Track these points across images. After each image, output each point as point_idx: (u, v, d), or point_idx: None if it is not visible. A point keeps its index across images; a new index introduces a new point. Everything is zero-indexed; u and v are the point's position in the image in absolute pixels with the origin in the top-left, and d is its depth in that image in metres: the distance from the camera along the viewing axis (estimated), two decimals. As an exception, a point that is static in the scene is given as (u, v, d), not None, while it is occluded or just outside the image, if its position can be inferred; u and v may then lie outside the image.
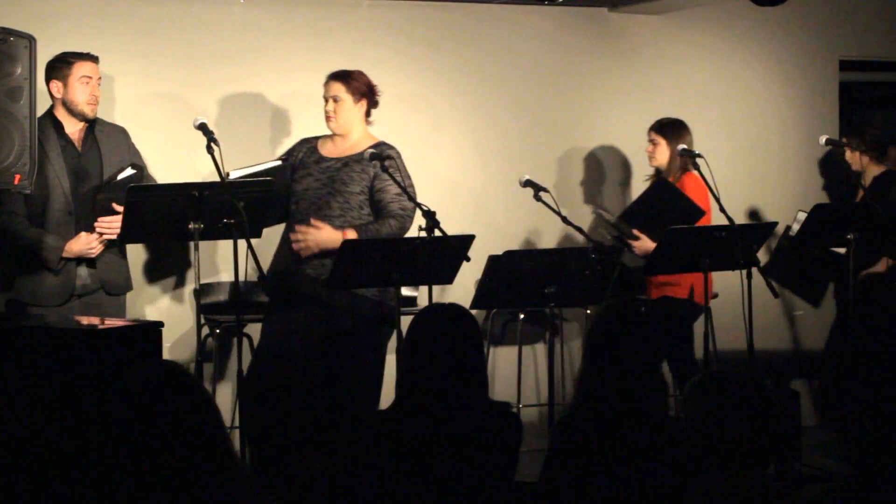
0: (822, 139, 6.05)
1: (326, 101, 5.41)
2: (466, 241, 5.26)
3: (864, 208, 5.76)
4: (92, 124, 5.33)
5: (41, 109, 5.15)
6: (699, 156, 5.84)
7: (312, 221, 5.20)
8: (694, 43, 6.96)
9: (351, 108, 5.40)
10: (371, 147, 5.33)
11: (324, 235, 5.20)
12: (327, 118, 5.41)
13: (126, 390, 2.46)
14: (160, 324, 4.55)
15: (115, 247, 5.28)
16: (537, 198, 5.56)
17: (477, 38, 6.62)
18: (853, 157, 6.44)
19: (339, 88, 5.41)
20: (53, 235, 5.17)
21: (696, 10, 6.89)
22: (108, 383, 2.49)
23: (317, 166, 5.38)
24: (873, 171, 6.43)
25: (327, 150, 5.45)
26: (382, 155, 5.24)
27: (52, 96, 5.29)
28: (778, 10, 6.34)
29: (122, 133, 5.46)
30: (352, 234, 5.17)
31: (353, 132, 5.42)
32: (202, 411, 2.46)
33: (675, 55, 6.88)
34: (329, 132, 5.44)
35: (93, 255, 5.18)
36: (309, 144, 5.48)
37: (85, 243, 5.15)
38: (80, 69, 5.25)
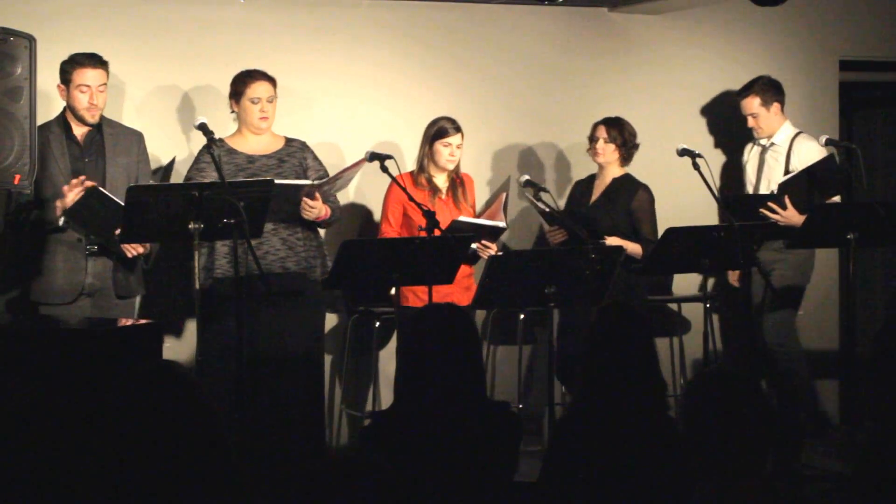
0: (822, 139, 6.03)
1: (257, 102, 5.52)
2: (466, 241, 5.28)
3: (865, 208, 5.75)
4: (101, 126, 5.35)
5: (51, 111, 5.18)
6: (700, 156, 5.83)
7: (317, 194, 5.39)
8: (694, 43, 6.95)
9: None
10: (286, 142, 5.62)
11: (319, 205, 5.43)
12: (263, 118, 5.53)
13: (126, 390, 2.46)
14: (160, 324, 4.56)
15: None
16: (537, 197, 5.56)
17: (477, 38, 6.62)
18: (604, 149, 6.09)
19: (272, 89, 5.58)
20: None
21: (696, 10, 6.89)
22: (108, 383, 2.48)
23: (252, 165, 5.51)
24: (614, 171, 6.14)
25: (250, 148, 5.57)
26: (382, 155, 5.28)
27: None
28: (778, 10, 6.34)
29: (134, 136, 5.48)
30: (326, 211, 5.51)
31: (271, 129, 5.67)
32: (201, 411, 2.46)
33: (675, 55, 6.87)
34: (237, 132, 5.62)
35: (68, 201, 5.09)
36: (221, 147, 5.52)
37: (68, 190, 5.08)
38: (80, 77, 5.26)
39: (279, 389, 5.44)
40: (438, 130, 5.78)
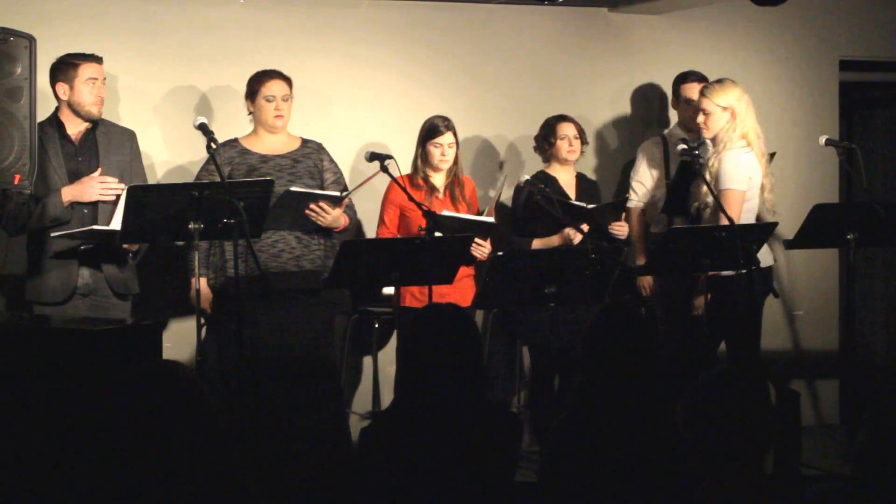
0: (822, 139, 6.02)
1: (272, 100, 5.51)
2: (466, 241, 5.28)
3: (865, 208, 5.75)
4: (95, 125, 5.34)
5: (43, 111, 5.18)
6: (699, 155, 5.83)
7: (321, 204, 5.34)
8: (694, 43, 6.95)
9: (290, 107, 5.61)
10: (302, 143, 5.60)
11: (336, 214, 5.39)
12: (278, 116, 5.52)
13: (126, 390, 2.46)
14: (160, 324, 4.56)
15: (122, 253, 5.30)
16: (542, 198, 5.56)
17: (477, 38, 6.62)
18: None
19: (287, 88, 5.57)
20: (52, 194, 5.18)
21: (696, 10, 6.89)
22: (108, 383, 2.49)
23: (265, 165, 5.49)
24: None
25: (265, 148, 5.56)
26: (382, 155, 5.29)
27: (57, 98, 5.32)
28: (778, 10, 6.33)
29: (126, 135, 5.47)
30: (346, 220, 5.50)
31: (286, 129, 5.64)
32: (201, 411, 2.46)
33: (675, 55, 6.87)
34: (256, 131, 5.60)
35: (90, 198, 5.19)
36: (234, 148, 5.53)
37: (87, 183, 5.15)
38: (86, 71, 5.26)
39: (294, 389, 5.43)
40: (429, 130, 5.76)
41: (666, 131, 6.35)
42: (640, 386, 3.44)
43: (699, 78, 6.24)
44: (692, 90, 6.18)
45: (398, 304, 5.51)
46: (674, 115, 6.49)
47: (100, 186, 5.19)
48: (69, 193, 5.17)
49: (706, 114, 5.68)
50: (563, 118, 6.10)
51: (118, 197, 5.09)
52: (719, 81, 5.76)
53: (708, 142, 6.24)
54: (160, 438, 2.40)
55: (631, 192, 6.24)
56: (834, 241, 5.92)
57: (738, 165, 5.60)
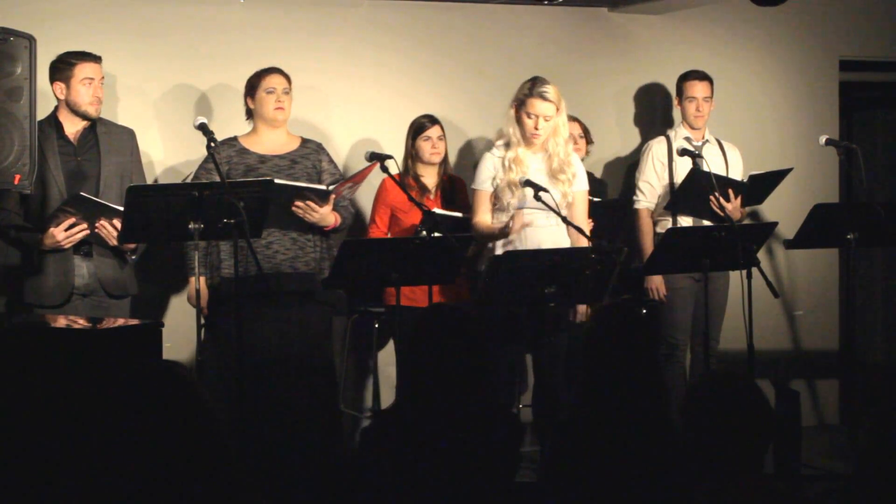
0: (822, 139, 6.03)
1: (272, 91, 5.50)
2: (466, 241, 5.28)
3: (865, 208, 5.75)
4: (94, 124, 5.34)
5: (43, 110, 5.18)
6: (699, 156, 5.83)
7: (308, 202, 5.31)
8: (694, 43, 6.95)
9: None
10: (301, 143, 5.58)
11: (324, 211, 5.36)
12: (279, 108, 5.51)
13: (126, 390, 2.46)
14: (160, 324, 4.56)
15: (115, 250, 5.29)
16: (537, 198, 5.55)
17: (477, 38, 6.62)
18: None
19: (286, 82, 5.56)
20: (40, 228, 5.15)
21: (696, 10, 6.89)
22: (108, 383, 2.49)
23: (263, 165, 5.48)
24: None
25: (264, 147, 5.54)
26: (381, 155, 5.29)
27: (56, 97, 5.31)
28: (778, 10, 6.34)
29: (127, 134, 5.46)
30: (336, 219, 5.46)
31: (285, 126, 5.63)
32: (201, 412, 2.46)
33: (675, 55, 6.88)
34: (253, 129, 5.59)
35: (64, 246, 5.13)
36: (233, 147, 5.52)
37: (62, 233, 5.09)
38: (83, 71, 5.25)
39: (291, 390, 5.42)
40: (416, 127, 5.86)
41: (670, 131, 6.35)
42: (640, 386, 3.44)
43: (702, 76, 6.26)
44: (695, 87, 6.22)
45: (397, 303, 5.51)
46: (677, 115, 6.49)
47: (63, 234, 5.11)
48: (50, 237, 5.13)
49: (546, 120, 5.39)
50: (567, 118, 6.09)
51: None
52: (547, 81, 5.42)
53: (711, 139, 6.27)
54: (159, 438, 2.40)
55: (638, 192, 6.23)
56: (834, 241, 5.93)
57: (582, 168, 5.60)
